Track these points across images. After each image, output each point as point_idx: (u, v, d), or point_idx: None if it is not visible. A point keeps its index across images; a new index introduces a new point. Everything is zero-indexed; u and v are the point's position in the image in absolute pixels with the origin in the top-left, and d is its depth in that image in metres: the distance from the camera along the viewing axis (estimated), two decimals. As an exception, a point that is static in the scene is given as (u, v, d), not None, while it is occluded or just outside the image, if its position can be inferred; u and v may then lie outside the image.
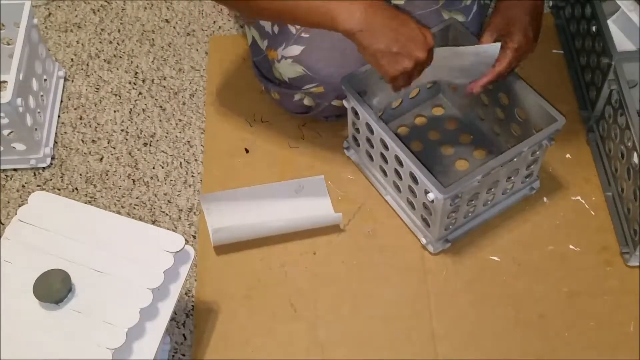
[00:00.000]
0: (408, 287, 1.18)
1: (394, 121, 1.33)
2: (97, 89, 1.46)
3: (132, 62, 1.50)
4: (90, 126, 1.40)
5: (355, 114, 1.18)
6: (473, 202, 1.15)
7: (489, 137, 1.31)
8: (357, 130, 1.23)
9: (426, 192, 1.07)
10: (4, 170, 1.34)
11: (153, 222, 1.27)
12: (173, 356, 1.13)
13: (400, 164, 1.13)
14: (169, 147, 1.37)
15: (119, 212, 1.28)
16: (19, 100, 1.23)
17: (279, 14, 1.02)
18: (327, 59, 1.18)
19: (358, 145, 1.27)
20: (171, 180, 1.33)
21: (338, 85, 1.16)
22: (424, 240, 1.21)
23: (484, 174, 1.08)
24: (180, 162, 1.35)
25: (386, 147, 1.15)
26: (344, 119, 1.27)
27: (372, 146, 1.21)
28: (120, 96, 1.45)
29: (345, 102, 1.17)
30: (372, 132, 1.16)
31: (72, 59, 1.51)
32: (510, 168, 1.13)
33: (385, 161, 1.19)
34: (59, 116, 1.42)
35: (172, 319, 1.15)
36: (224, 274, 1.20)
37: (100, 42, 1.53)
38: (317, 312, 1.16)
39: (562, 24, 1.48)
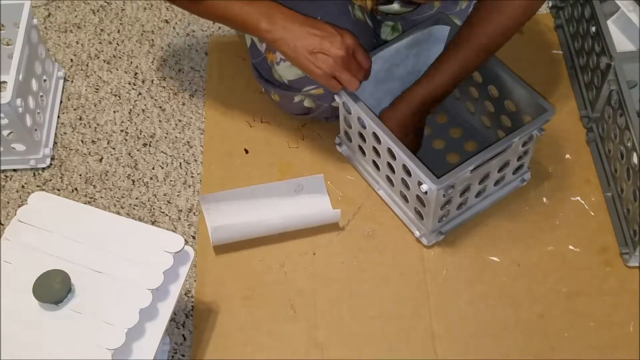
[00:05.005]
0: (408, 287, 1.18)
1: None
2: (97, 89, 1.46)
3: (131, 62, 1.50)
4: (89, 127, 1.40)
5: (347, 108, 1.19)
6: (465, 193, 1.16)
7: (479, 130, 1.31)
8: (349, 125, 1.23)
9: (419, 184, 1.08)
10: (4, 170, 1.34)
11: (153, 223, 1.27)
12: (173, 356, 1.13)
13: (393, 156, 1.13)
14: (169, 148, 1.37)
15: (118, 213, 1.28)
16: (18, 101, 1.23)
17: (217, 20, 1.17)
18: None
19: (350, 140, 1.27)
20: (171, 180, 1.33)
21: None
22: (417, 233, 1.21)
23: (476, 164, 1.09)
24: (180, 163, 1.35)
25: (378, 141, 1.15)
26: (343, 120, 1.27)
27: (364, 140, 1.21)
28: (119, 97, 1.45)
29: (337, 98, 1.18)
30: (364, 126, 1.17)
31: (71, 60, 1.51)
32: (501, 159, 1.14)
33: (378, 155, 1.19)
34: (58, 117, 1.42)
35: (172, 320, 1.15)
36: (224, 274, 1.20)
37: (100, 43, 1.53)
38: (317, 312, 1.16)
39: (562, 24, 1.48)
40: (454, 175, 1.07)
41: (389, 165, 1.17)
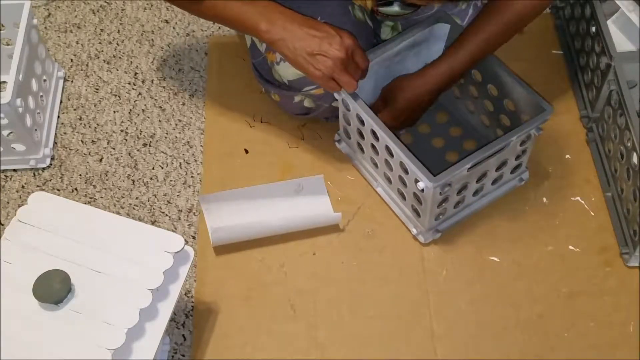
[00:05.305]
0: (408, 287, 1.18)
1: None
2: (97, 89, 1.46)
3: (131, 62, 1.50)
4: (89, 127, 1.40)
5: (346, 105, 1.19)
6: (463, 192, 1.16)
7: (478, 129, 1.31)
8: (348, 122, 1.23)
9: (416, 182, 1.08)
10: (4, 170, 1.34)
11: (153, 223, 1.27)
12: (172, 356, 1.13)
13: (391, 154, 1.14)
14: (169, 148, 1.37)
15: (118, 213, 1.28)
16: (18, 101, 1.23)
17: (216, 20, 1.15)
18: None
19: (349, 137, 1.28)
20: (171, 180, 1.33)
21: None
22: (414, 231, 1.21)
23: (474, 162, 1.09)
24: (180, 163, 1.35)
25: (377, 138, 1.15)
26: (343, 120, 1.27)
27: (362, 137, 1.21)
28: (119, 97, 1.45)
29: (336, 95, 1.18)
30: (362, 123, 1.17)
31: (71, 60, 1.51)
32: (499, 158, 1.14)
33: (376, 152, 1.19)
34: (58, 117, 1.42)
35: (172, 320, 1.15)
36: (224, 275, 1.20)
37: (100, 43, 1.53)
38: (317, 313, 1.16)
39: (562, 24, 1.48)
40: (451, 173, 1.07)
41: (387, 162, 1.17)
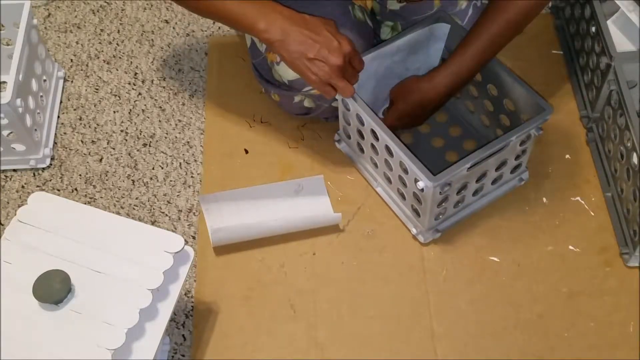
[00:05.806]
0: (407, 287, 1.18)
1: None
2: (97, 89, 1.46)
3: (131, 62, 1.50)
4: (89, 127, 1.40)
5: (346, 105, 1.19)
6: (462, 191, 1.16)
7: (478, 129, 1.31)
8: (348, 122, 1.23)
9: (416, 181, 1.08)
10: (4, 170, 1.34)
11: (152, 223, 1.27)
12: (172, 356, 1.13)
13: (391, 154, 1.14)
14: (169, 148, 1.37)
15: (118, 213, 1.28)
16: (18, 101, 1.23)
17: (215, 18, 1.14)
18: None
19: (349, 137, 1.28)
20: (171, 180, 1.33)
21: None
22: (414, 231, 1.21)
23: (473, 162, 1.09)
24: (180, 163, 1.35)
25: (376, 138, 1.15)
26: (343, 120, 1.27)
27: (362, 137, 1.21)
28: (119, 97, 1.45)
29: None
30: (362, 123, 1.17)
31: (71, 60, 1.51)
32: (498, 158, 1.14)
33: (376, 152, 1.19)
34: (58, 117, 1.42)
35: (172, 320, 1.15)
36: (224, 275, 1.20)
37: (100, 43, 1.53)
38: (317, 313, 1.16)
39: (562, 24, 1.48)
40: (451, 173, 1.08)
41: (387, 162, 1.17)
